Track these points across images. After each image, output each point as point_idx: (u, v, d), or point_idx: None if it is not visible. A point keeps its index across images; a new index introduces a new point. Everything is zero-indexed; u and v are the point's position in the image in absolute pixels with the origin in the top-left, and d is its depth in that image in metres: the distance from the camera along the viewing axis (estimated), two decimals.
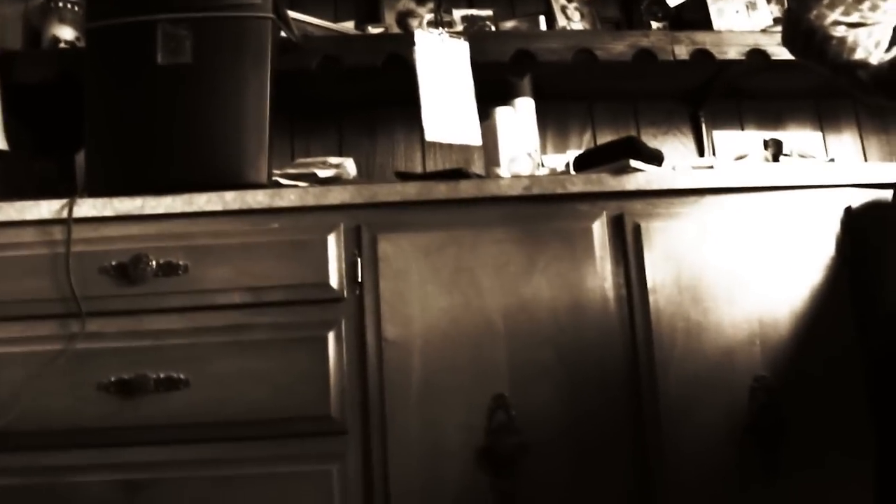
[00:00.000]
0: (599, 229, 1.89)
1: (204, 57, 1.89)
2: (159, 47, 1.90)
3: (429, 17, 2.53)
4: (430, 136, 1.99)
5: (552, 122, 2.75)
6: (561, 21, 2.60)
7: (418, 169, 2.70)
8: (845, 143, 2.90)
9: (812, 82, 2.69)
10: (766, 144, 2.38)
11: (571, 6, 2.66)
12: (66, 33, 2.46)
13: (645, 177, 1.93)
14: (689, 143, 2.86)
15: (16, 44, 2.37)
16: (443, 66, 2.08)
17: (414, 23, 2.59)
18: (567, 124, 2.79)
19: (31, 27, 2.48)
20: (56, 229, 1.83)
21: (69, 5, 2.48)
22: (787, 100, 2.91)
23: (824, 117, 2.94)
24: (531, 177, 1.93)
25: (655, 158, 2.00)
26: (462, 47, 2.14)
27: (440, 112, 2.01)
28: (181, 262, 1.81)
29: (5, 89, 2.19)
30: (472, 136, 2.06)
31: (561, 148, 2.75)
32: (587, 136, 2.79)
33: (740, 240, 1.91)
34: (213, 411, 1.77)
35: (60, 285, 1.79)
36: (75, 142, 2.15)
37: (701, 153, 2.83)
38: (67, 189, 2.11)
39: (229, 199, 1.84)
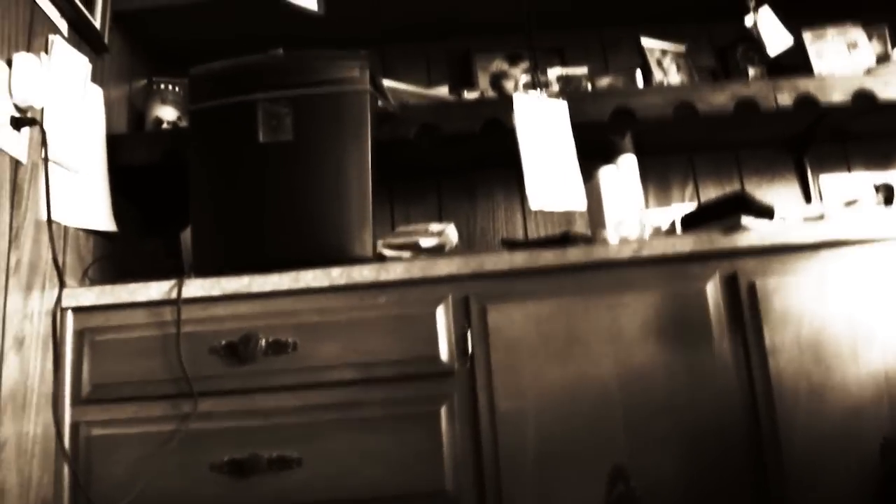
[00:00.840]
0: (713, 290, 1.84)
1: (304, 133, 1.91)
2: (260, 126, 1.92)
3: (523, 78, 2.52)
4: (534, 205, 1.95)
5: (653, 176, 2.70)
6: (657, 75, 2.56)
7: (520, 231, 2.67)
8: None
9: None
10: (876, 189, 2.28)
11: (667, 58, 2.62)
12: (168, 114, 2.52)
13: (757, 233, 1.87)
14: (794, 189, 2.77)
15: (120, 125, 2.42)
16: (542, 129, 2.05)
17: (508, 84, 2.57)
18: (668, 177, 2.74)
19: (135, 109, 2.55)
20: (166, 310, 1.85)
21: (170, 87, 2.55)
22: None
23: None
24: (640, 240, 1.88)
25: (767, 213, 1.94)
26: (561, 108, 2.11)
27: (543, 179, 1.98)
28: (290, 340, 1.81)
29: (112, 171, 2.23)
30: (576, 201, 2.02)
31: (664, 201, 2.69)
32: (689, 189, 2.73)
33: (860, 293, 1.83)
34: (327, 489, 1.76)
35: (172, 366, 1.81)
36: (180, 220, 2.18)
37: (808, 199, 2.75)
38: (174, 267, 2.14)
39: (335, 275, 1.84)
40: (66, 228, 1.99)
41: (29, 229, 1.82)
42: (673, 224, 2.12)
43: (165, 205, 2.42)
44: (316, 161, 1.90)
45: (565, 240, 1.90)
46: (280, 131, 1.91)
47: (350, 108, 1.92)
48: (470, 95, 2.53)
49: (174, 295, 1.84)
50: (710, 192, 2.71)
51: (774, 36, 2.40)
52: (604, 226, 2.03)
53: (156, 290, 1.86)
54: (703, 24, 2.87)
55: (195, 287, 1.86)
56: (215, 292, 1.85)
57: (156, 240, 2.36)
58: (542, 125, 2.05)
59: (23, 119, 1.80)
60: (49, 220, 1.86)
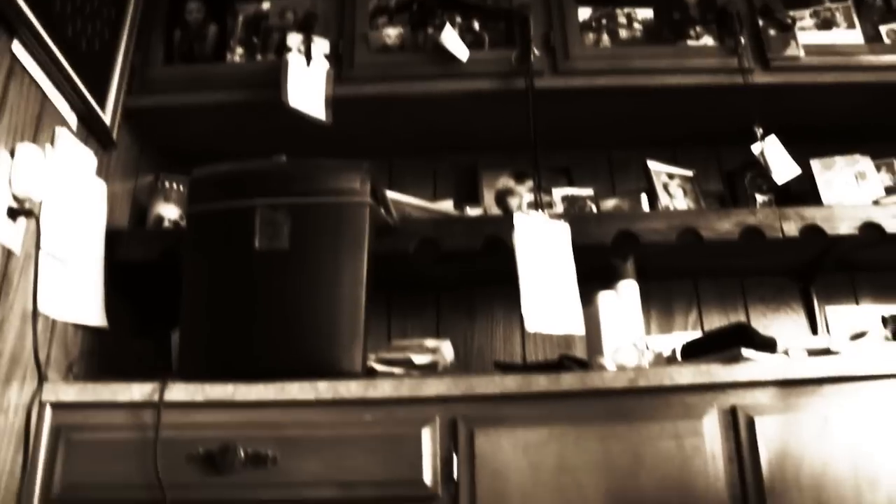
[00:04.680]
0: (710, 424, 1.77)
1: (301, 242, 1.89)
2: (257, 232, 1.90)
3: (528, 197, 2.50)
4: (531, 327, 1.91)
5: (656, 301, 2.66)
6: (663, 199, 2.54)
7: (518, 350, 2.62)
8: None
9: None
10: (884, 321, 2.23)
11: (674, 183, 2.61)
12: (171, 212, 2.51)
13: (758, 366, 1.81)
14: (800, 320, 2.73)
15: (123, 221, 2.42)
16: (543, 250, 2.03)
17: (513, 201, 2.56)
18: (671, 303, 2.70)
19: (138, 205, 2.54)
20: (146, 412, 1.79)
21: (175, 185, 2.55)
22: None
23: None
24: (637, 368, 1.84)
25: (769, 346, 1.89)
26: (563, 229, 2.09)
27: (541, 301, 1.94)
28: (270, 453, 1.74)
29: (109, 267, 2.21)
30: (574, 325, 1.98)
31: (666, 328, 2.64)
32: (693, 316, 2.68)
33: (866, 432, 1.77)
34: None
35: (147, 471, 1.74)
36: (173, 320, 2.14)
37: (814, 330, 2.70)
38: (161, 368, 2.10)
39: (322, 389, 1.79)
40: (53, 322, 1.96)
41: (14, 321, 1.78)
42: (673, 352, 2.07)
43: (160, 304, 2.39)
44: (310, 271, 1.87)
45: (560, 365, 1.85)
46: (276, 239, 1.89)
47: (349, 219, 1.90)
48: (473, 212, 2.52)
49: (156, 397, 1.79)
50: (715, 320, 2.67)
51: (781, 164, 2.38)
52: (601, 352, 1.98)
53: (138, 391, 1.81)
54: (711, 148, 2.87)
55: (178, 391, 1.80)
56: (198, 398, 1.80)
57: (146, 339, 2.33)
58: (542, 246, 2.03)
59: (19, 210, 1.78)
60: (34, 313, 1.83)
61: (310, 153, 2.43)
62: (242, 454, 1.74)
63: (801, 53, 2.48)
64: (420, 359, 2.01)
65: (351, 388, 1.79)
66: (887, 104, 2.66)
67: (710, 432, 1.77)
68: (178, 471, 1.75)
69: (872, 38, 2.59)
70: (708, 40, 2.52)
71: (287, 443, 1.76)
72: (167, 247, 2.28)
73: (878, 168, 2.68)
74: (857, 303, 2.77)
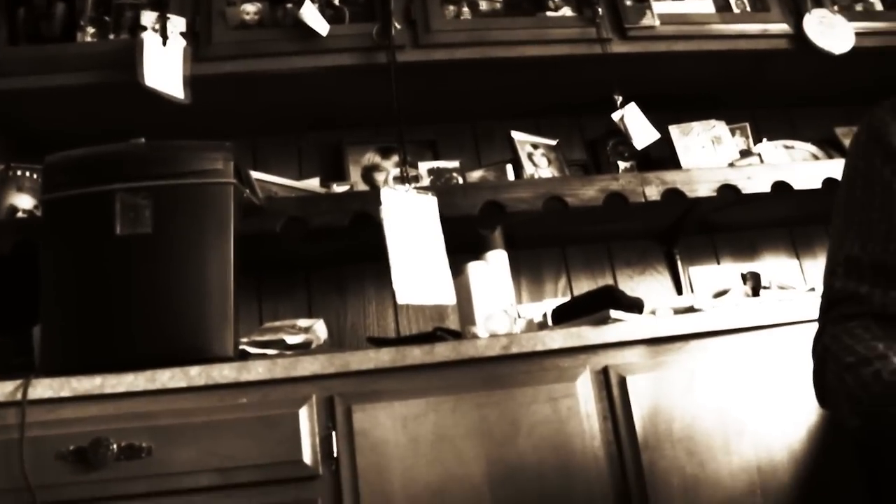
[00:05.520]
0: (583, 385, 1.82)
1: (164, 225, 1.83)
2: (117, 217, 1.83)
3: (394, 171, 2.51)
4: (401, 299, 1.92)
5: (526, 270, 2.72)
6: (528, 168, 2.58)
7: (391, 326, 2.63)
8: (822, 267, 2.87)
9: (784, 211, 2.70)
10: (744, 278, 2.33)
11: (538, 152, 2.65)
12: (25, 202, 2.41)
13: (626, 327, 1.87)
14: (665, 282, 2.83)
15: None
16: (411, 223, 2.03)
17: (380, 177, 2.56)
18: (541, 271, 2.76)
19: None
20: (9, 412, 1.71)
21: (28, 173, 2.44)
22: (761, 229, 2.94)
23: (799, 244, 2.96)
24: (509, 335, 1.86)
25: (635, 306, 1.95)
26: (430, 202, 2.10)
27: (411, 273, 1.95)
28: (144, 445, 1.69)
29: None
30: (445, 295, 2.00)
31: (537, 296, 2.70)
32: (562, 282, 2.75)
33: (731, 384, 1.85)
34: None
35: (13, 474, 1.66)
36: (33, 315, 2.06)
37: (679, 290, 2.80)
38: (23, 366, 2.01)
39: (194, 375, 1.74)
40: None
41: None
42: (545, 318, 2.11)
43: (17, 298, 2.29)
44: (175, 255, 1.82)
45: (434, 336, 1.86)
46: (138, 223, 1.83)
47: (213, 200, 1.85)
48: (340, 188, 2.50)
49: (19, 396, 1.72)
50: (583, 285, 2.74)
51: (641, 130, 2.45)
52: (473, 322, 2.01)
53: None
54: (574, 118, 2.94)
55: (42, 387, 1.73)
56: (64, 393, 1.73)
57: (5, 336, 2.23)
58: (410, 219, 2.03)
59: None
60: None
61: (171, 135, 2.38)
62: (115, 447, 1.69)
63: (657, 23, 2.55)
64: (293, 339, 1.99)
65: (224, 372, 1.75)
66: (738, 71, 2.77)
67: (584, 393, 1.81)
68: (47, 470, 1.68)
69: (723, 8, 2.69)
70: (567, 11, 2.57)
71: (161, 432, 1.71)
72: (22, 238, 2.19)
73: (733, 132, 2.81)
74: (718, 262, 2.89)
